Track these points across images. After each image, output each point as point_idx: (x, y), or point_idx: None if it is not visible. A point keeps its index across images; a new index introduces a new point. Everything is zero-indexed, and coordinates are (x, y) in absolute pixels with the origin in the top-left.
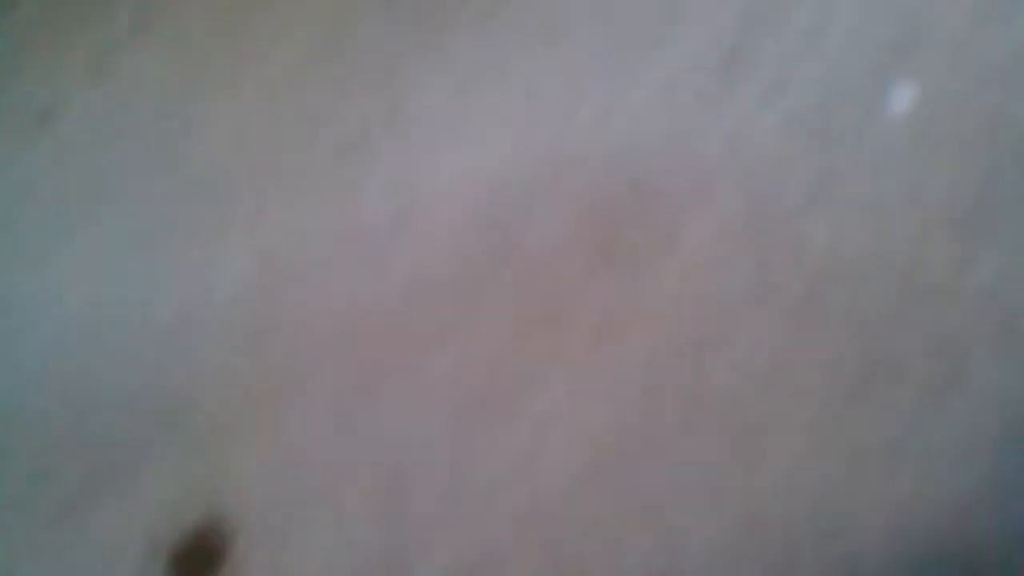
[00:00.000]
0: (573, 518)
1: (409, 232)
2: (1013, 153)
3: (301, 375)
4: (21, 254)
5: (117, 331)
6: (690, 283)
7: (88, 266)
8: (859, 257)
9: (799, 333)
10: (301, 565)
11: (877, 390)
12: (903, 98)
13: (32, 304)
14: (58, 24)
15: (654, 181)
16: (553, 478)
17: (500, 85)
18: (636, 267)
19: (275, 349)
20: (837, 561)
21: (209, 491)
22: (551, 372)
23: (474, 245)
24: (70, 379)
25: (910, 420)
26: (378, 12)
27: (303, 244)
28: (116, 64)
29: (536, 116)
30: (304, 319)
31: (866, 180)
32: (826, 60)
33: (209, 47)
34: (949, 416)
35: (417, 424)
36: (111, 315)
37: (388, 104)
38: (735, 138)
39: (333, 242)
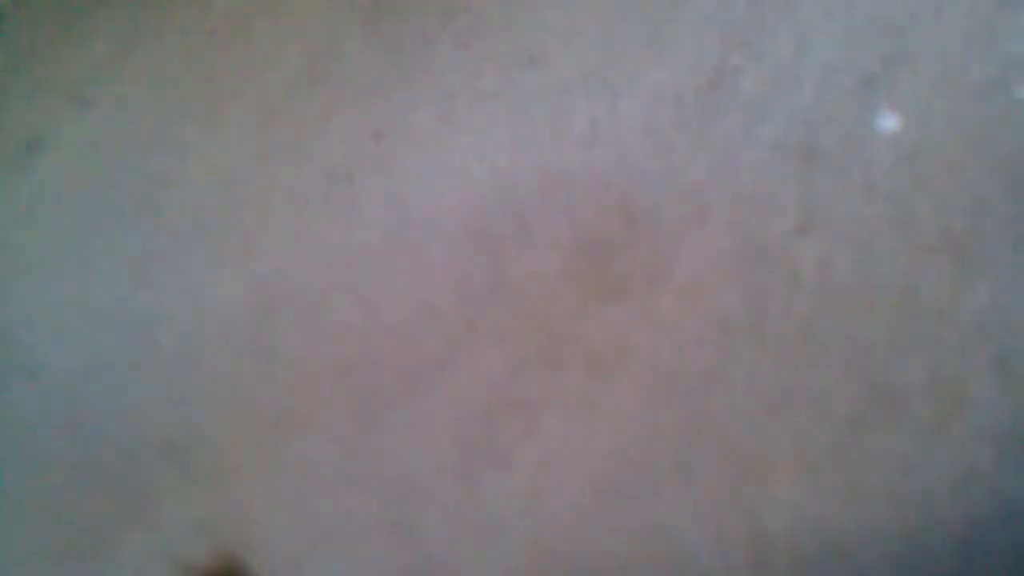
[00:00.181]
0: (582, 552)
1: (403, 260)
2: (1001, 174)
3: (304, 408)
4: (17, 285)
5: (119, 368)
6: (683, 316)
7: (82, 301)
8: (851, 286)
9: (795, 367)
10: None
11: (875, 423)
12: (889, 122)
13: (33, 339)
14: (39, 54)
15: (643, 209)
16: (560, 511)
17: (485, 109)
18: (629, 299)
19: (276, 382)
20: None
21: (222, 525)
22: (549, 407)
23: (468, 272)
24: (78, 417)
25: (909, 451)
26: (361, 38)
27: (297, 274)
28: (98, 93)
29: (522, 141)
30: (304, 349)
31: (855, 206)
32: (810, 85)
33: (189, 75)
34: (948, 445)
35: (421, 457)
36: (112, 352)
37: (374, 130)
38: (721, 164)
39: (327, 271)
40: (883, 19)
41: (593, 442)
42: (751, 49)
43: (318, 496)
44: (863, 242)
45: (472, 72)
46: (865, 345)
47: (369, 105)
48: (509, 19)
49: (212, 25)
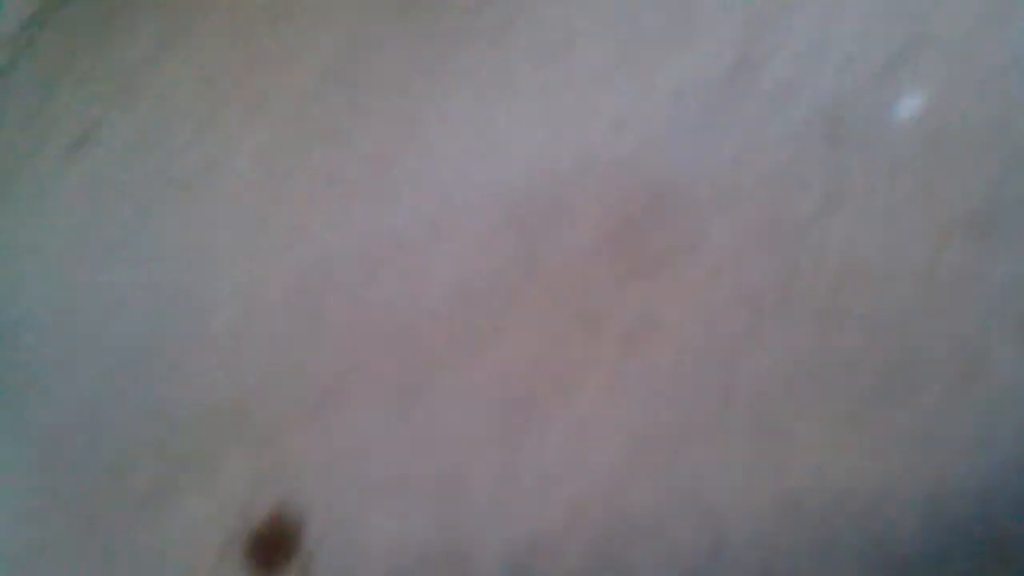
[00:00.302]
0: (618, 509)
1: (443, 243)
2: (1022, 153)
3: (354, 380)
4: (80, 270)
5: (178, 345)
6: (712, 291)
7: (142, 284)
8: (875, 262)
9: (821, 339)
10: (369, 550)
11: (900, 387)
12: (912, 102)
13: (97, 319)
14: (85, 48)
15: (672, 190)
16: (597, 471)
17: (516, 96)
18: (660, 276)
19: (326, 357)
20: (870, 542)
21: (279, 482)
22: (586, 378)
23: (507, 253)
24: (140, 390)
25: (933, 414)
26: (394, 27)
27: (342, 258)
28: (143, 86)
29: (553, 127)
30: (350, 329)
31: (879, 184)
32: (833, 68)
33: (230, 65)
34: (970, 409)
35: (467, 421)
36: (171, 330)
37: (410, 117)
38: (748, 146)
39: (371, 255)
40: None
41: (627, 410)
42: (775, 33)
43: (368, 456)
44: (887, 220)
45: (506, 59)
46: (889, 318)
47: (406, 91)
48: (537, 9)
49: (251, 15)
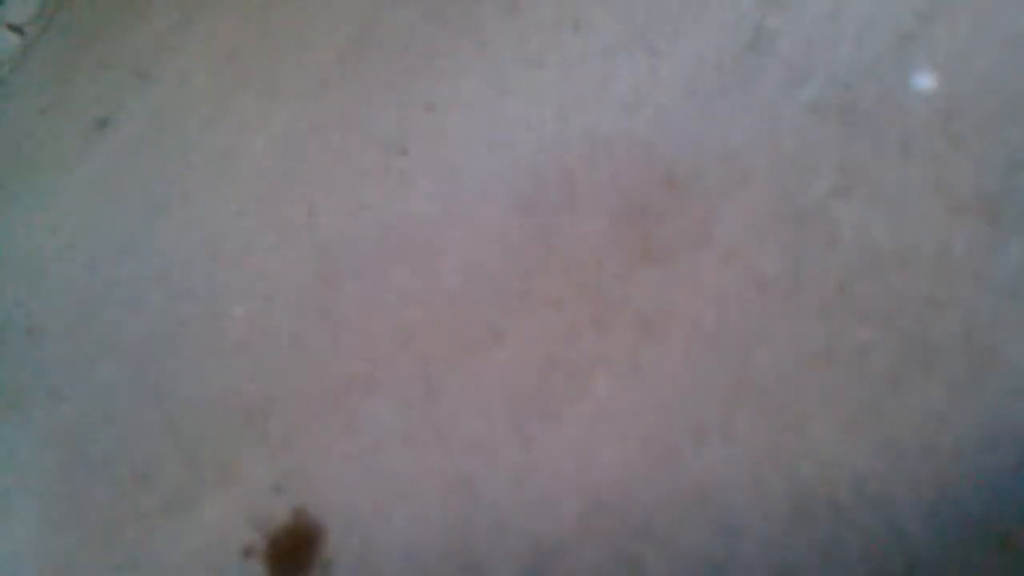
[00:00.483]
0: (631, 508)
1: (458, 228)
2: None
3: (371, 372)
4: (100, 262)
5: (198, 340)
6: (725, 278)
7: (161, 277)
8: (888, 246)
9: (833, 325)
10: (387, 554)
11: (910, 378)
12: (925, 79)
13: (116, 316)
14: (103, 33)
15: (685, 173)
16: (609, 472)
17: (531, 76)
18: (673, 262)
19: (344, 349)
20: (881, 537)
21: (297, 487)
22: (599, 367)
23: (520, 239)
24: (161, 387)
25: (943, 406)
26: (408, 5)
27: (359, 244)
28: (161, 69)
29: (567, 107)
30: (368, 316)
31: (891, 166)
32: (846, 45)
33: (246, 47)
34: (981, 400)
35: (482, 420)
36: (190, 325)
37: (425, 100)
38: (761, 126)
39: (387, 241)
40: None
41: (641, 400)
42: (788, 9)
43: (386, 456)
44: (899, 203)
45: (517, 38)
46: (901, 303)
47: (419, 74)
48: None
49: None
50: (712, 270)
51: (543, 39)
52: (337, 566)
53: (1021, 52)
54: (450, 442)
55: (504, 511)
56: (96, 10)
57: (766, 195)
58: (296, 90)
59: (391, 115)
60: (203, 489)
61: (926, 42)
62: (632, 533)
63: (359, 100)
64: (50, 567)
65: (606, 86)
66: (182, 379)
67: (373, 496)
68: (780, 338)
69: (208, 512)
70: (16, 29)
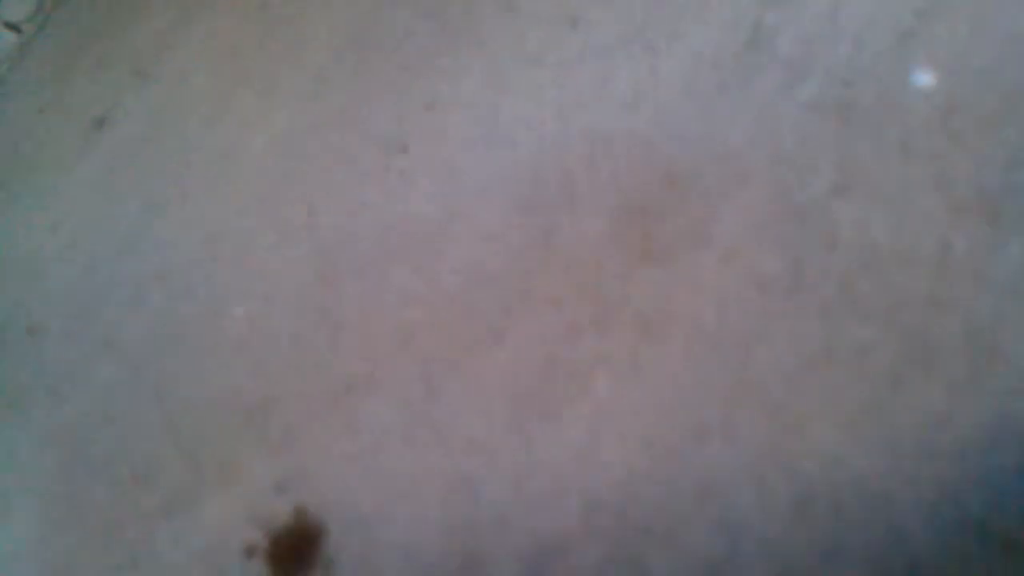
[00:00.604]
0: (632, 508)
1: (458, 228)
2: None
3: (372, 372)
4: (99, 261)
5: (198, 340)
6: (724, 277)
7: (161, 276)
8: (889, 245)
9: (833, 325)
10: (388, 554)
11: (911, 378)
12: (924, 77)
13: (116, 315)
14: (101, 32)
15: (684, 172)
16: (610, 471)
17: (530, 74)
18: (673, 261)
19: (344, 349)
20: (882, 537)
21: (298, 487)
22: (600, 368)
23: (520, 238)
24: (162, 387)
25: (944, 405)
26: (407, 6)
27: (359, 244)
28: (159, 67)
29: (567, 105)
30: (369, 316)
31: (891, 165)
32: (846, 42)
33: (244, 45)
34: (982, 400)
35: (481, 417)
36: (190, 324)
37: (424, 99)
38: (760, 125)
39: (388, 241)
40: None
41: (641, 400)
42: (787, 7)
43: (387, 455)
44: (899, 201)
45: (516, 36)
46: (901, 303)
47: (418, 73)
48: None
49: None
50: (712, 270)
51: (542, 37)
52: (338, 565)
53: (1020, 50)
54: (450, 442)
55: (505, 510)
56: (94, 8)
57: (766, 194)
58: (295, 89)
59: (390, 114)
60: (204, 489)
61: (925, 40)
62: (633, 532)
63: (358, 99)
64: (50, 567)
65: (605, 85)
66: (182, 379)
67: (374, 495)
68: (780, 338)
69: (209, 512)
70: (13, 27)
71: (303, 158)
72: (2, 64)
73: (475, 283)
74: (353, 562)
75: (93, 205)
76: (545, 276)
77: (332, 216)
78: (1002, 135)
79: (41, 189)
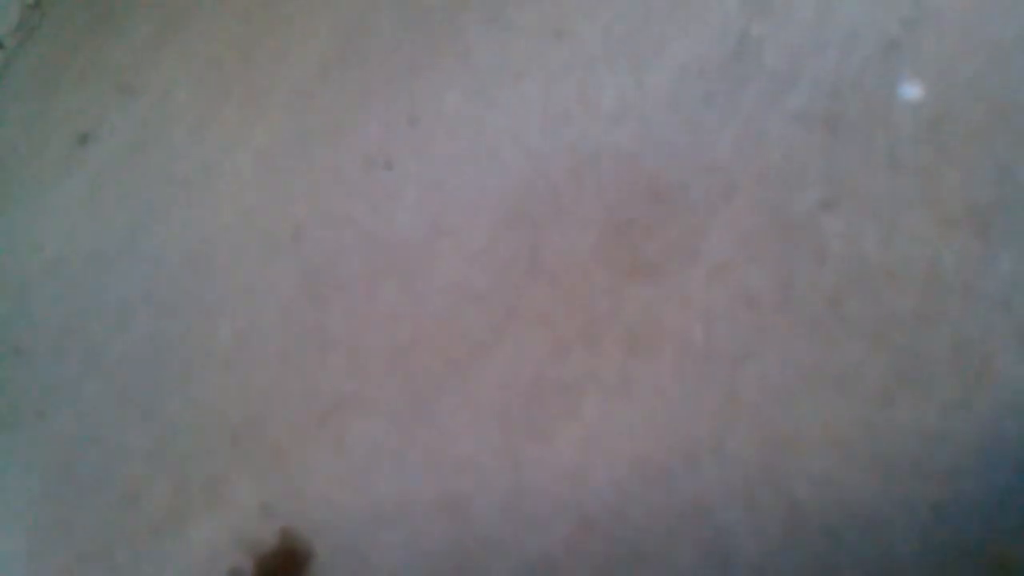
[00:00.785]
0: (622, 528)
1: (444, 245)
2: None
3: (360, 392)
4: (83, 278)
5: (184, 359)
6: (713, 294)
7: (147, 294)
8: (877, 260)
9: (823, 342)
10: (377, 573)
11: (902, 396)
12: (912, 89)
13: (102, 333)
14: (82, 45)
15: (671, 186)
16: (600, 491)
17: (515, 87)
18: (661, 278)
19: (332, 368)
20: (874, 559)
21: (286, 506)
22: (589, 386)
23: (507, 256)
24: (148, 406)
25: (936, 424)
26: (390, 13)
27: (345, 261)
28: (142, 81)
29: (552, 119)
30: (356, 335)
31: (879, 178)
32: (833, 52)
33: (227, 57)
34: (973, 418)
35: (470, 437)
36: (176, 343)
37: (409, 113)
38: (747, 138)
39: (374, 258)
40: None
41: (632, 419)
42: (773, 17)
43: (376, 476)
44: (888, 215)
45: (500, 49)
46: (891, 319)
47: (402, 86)
48: None
49: (246, 8)
50: (700, 285)
51: (526, 51)
52: None
53: (1008, 60)
54: (439, 462)
55: (494, 532)
56: (77, 22)
57: (753, 207)
58: (279, 102)
59: (375, 128)
60: (190, 511)
61: (912, 50)
62: (623, 554)
63: (342, 113)
64: None
65: (590, 97)
66: (168, 398)
67: (362, 517)
68: (770, 355)
69: (195, 534)
70: None
71: (288, 173)
72: None
73: (462, 300)
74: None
75: (78, 222)
76: (532, 293)
77: (318, 232)
78: (991, 147)
79: (25, 206)
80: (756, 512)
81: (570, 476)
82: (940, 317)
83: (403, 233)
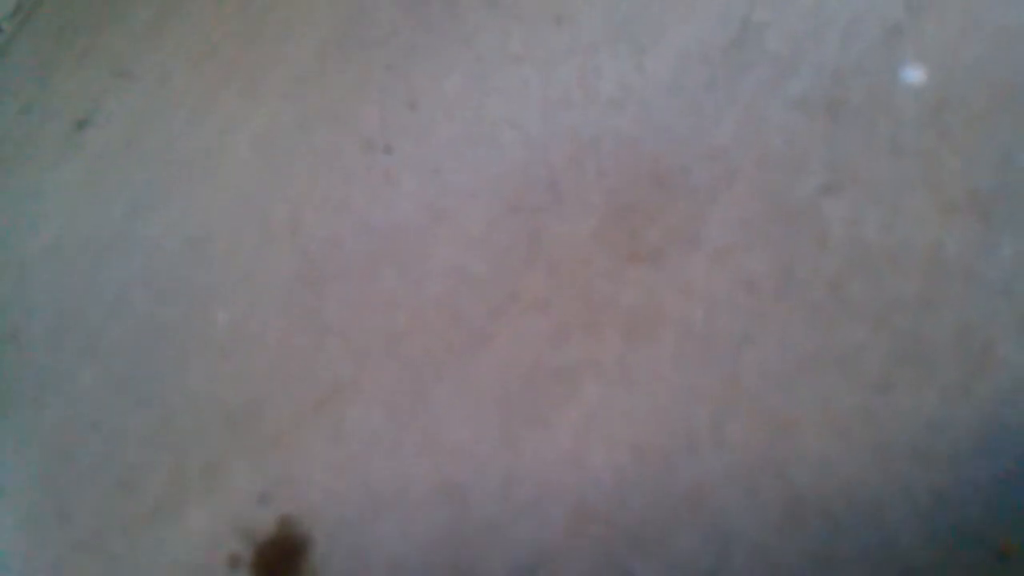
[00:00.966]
0: (621, 515)
1: (443, 230)
2: None
3: (358, 378)
4: (81, 263)
5: (181, 344)
6: (713, 279)
7: (145, 280)
8: (879, 245)
9: (824, 327)
10: (374, 564)
11: (903, 382)
12: (914, 73)
13: (99, 318)
14: (80, 30)
15: (672, 171)
16: (599, 478)
17: (514, 72)
18: (661, 263)
19: (330, 354)
20: (874, 545)
21: (283, 495)
22: (588, 372)
23: (506, 241)
24: (146, 392)
25: (936, 410)
26: (390, 1)
27: (343, 247)
28: (140, 66)
29: (552, 104)
30: (354, 321)
31: (881, 163)
32: (835, 38)
33: (226, 42)
34: (974, 404)
35: (469, 423)
36: (173, 328)
37: (408, 98)
38: (749, 123)
39: (373, 243)
40: None
41: (631, 405)
42: (775, 2)
43: (373, 462)
44: (890, 201)
45: (500, 33)
46: (893, 305)
47: (401, 70)
48: None
49: None
50: (701, 270)
51: (526, 35)
52: (328, 568)
53: (1011, 45)
54: (437, 448)
55: (493, 519)
56: (74, 7)
57: (755, 193)
58: (277, 87)
59: (374, 113)
60: (188, 497)
61: (915, 35)
62: (622, 540)
63: (341, 98)
64: None
65: (591, 82)
66: (166, 384)
67: (360, 504)
68: (770, 340)
69: (193, 522)
70: None
71: (286, 158)
72: None
73: (461, 286)
74: (339, 572)
75: (75, 207)
76: (531, 278)
77: (316, 217)
78: (992, 132)
79: (22, 191)
80: (756, 497)
81: (569, 462)
82: (941, 303)
83: (401, 218)
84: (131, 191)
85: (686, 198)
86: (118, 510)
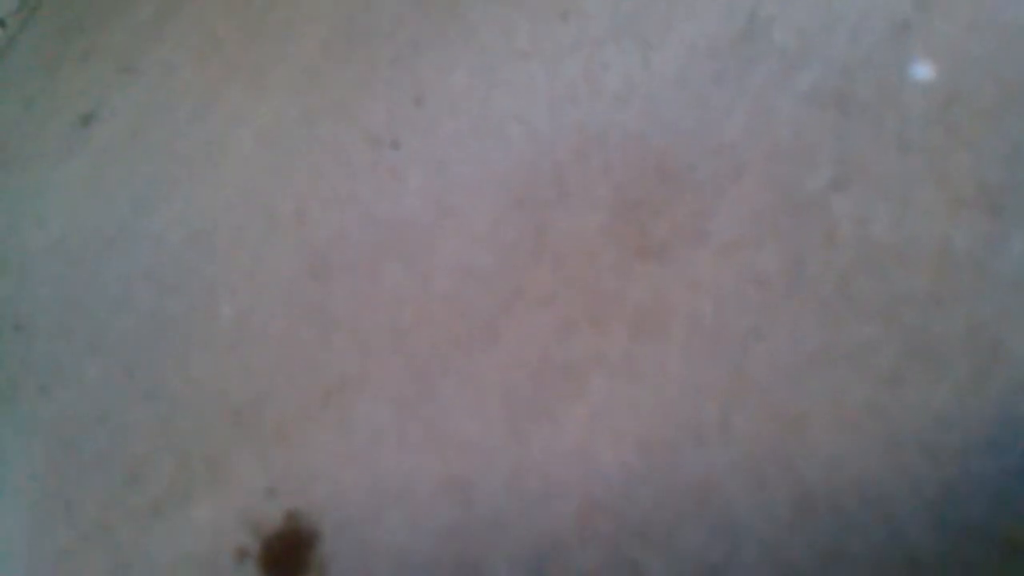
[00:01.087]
0: (629, 510)
1: (449, 225)
2: None
3: (364, 372)
4: (86, 256)
5: (187, 337)
6: (721, 274)
7: (150, 273)
8: (888, 241)
9: (833, 323)
10: (382, 559)
11: (913, 377)
12: (923, 69)
13: (104, 312)
14: (85, 25)
15: (679, 166)
16: (607, 472)
17: (520, 67)
18: (669, 258)
19: (336, 348)
20: (885, 541)
21: (291, 489)
22: (595, 367)
23: (513, 236)
24: (152, 386)
25: (947, 405)
26: None
27: (349, 241)
28: (145, 61)
29: (558, 99)
30: (360, 315)
31: (890, 158)
32: (843, 32)
33: (231, 36)
34: (985, 399)
35: (475, 417)
36: (179, 322)
37: (414, 93)
38: (756, 117)
39: (379, 238)
40: None
41: (638, 400)
42: None
43: (380, 457)
44: (899, 196)
45: (506, 27)
46: (902, 300)
47: (407, 65)
48: None
49: None
50: (709, 265)
51: (532, 30)
52: (331, 570)
53: (1020, 40)
54: (444, 443)
55: (500, 513)
56: (77, 3)
57: (762, 188)
58: (283, 81)
59: (379, 108)
60: (194, 490)
61: (923, 30)
62: (630, 535)
63: (347, 92)
64: (41, 569)
65: (597, 77)
66: (172, 377)
67: (367, 498)
68: (779, 335)
69: (200, 514)
70: None
71: (292, 152)
72: None
73: (467, 281)
74: (346, 567)
75: (81, 201)
76: (538, 273)
77: (322, 211)
78: (1002, 127)
79: (28, 185)
80: (764, 491)
81: (576, 456)
82: (951, 298)
83: (407, 213)
84: (136, 185)
85: (693, 192)
86: (124, 502)
